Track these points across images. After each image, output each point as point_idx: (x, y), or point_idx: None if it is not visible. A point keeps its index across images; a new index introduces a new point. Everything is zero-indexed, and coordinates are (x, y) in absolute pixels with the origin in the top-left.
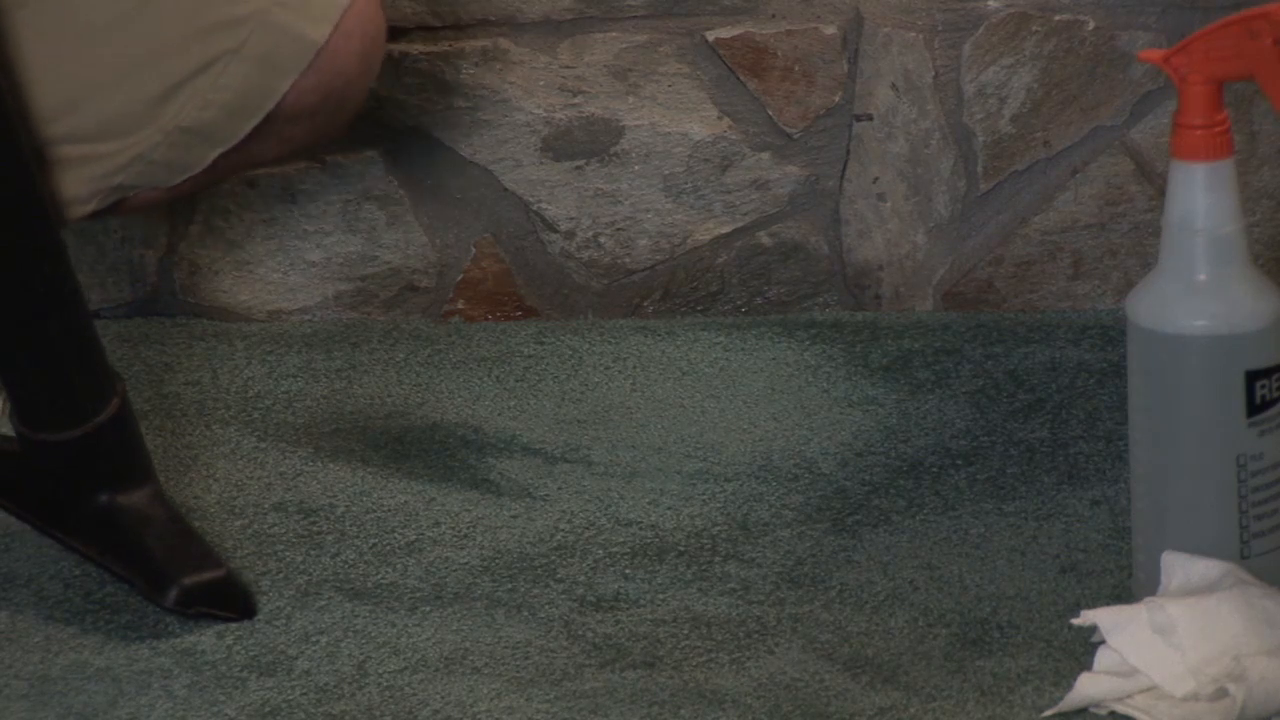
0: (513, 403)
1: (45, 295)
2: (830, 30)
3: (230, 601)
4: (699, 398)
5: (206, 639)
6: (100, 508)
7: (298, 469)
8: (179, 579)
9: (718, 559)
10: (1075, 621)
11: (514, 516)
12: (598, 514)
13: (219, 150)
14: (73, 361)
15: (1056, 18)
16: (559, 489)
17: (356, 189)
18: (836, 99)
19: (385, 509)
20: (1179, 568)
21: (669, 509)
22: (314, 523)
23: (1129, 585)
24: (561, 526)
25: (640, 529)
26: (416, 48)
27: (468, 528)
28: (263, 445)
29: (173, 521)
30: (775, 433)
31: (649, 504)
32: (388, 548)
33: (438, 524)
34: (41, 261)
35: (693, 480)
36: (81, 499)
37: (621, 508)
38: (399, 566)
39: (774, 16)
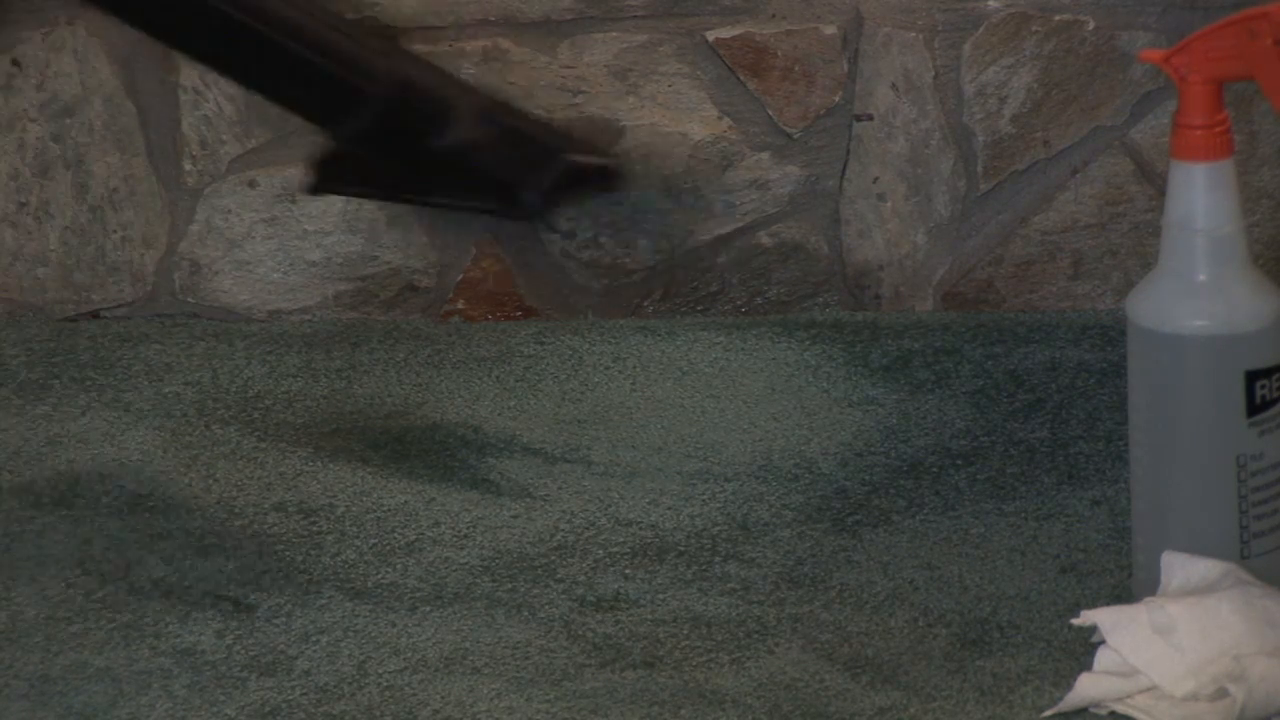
0: (513, 403)
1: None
2: (830, 30)
3: (589, 182)
4: (699, 398)
5: (206, 639)
6: (438, 152)
7: (298, 469)
8: (524, 193)
9: (718, 559)
10: (1075, 621)
11: (514, 516)
12: (598, 514)
13: None
14: (325, 51)
15: (1056, 18)
16: (559, 489)
17: None
18: (836, 99)
19: (385, 509)
20: (1179, 568)
21: (669, 509)
22: (314, 523)
23: (1129, 585)
24: (561, 526)
25: (640, 529)
26: (416, 48)
27: (468, 528)
28: (263, 445)
29: (504, 133)
30: (775, 433)
31: (649, 504)
32: (388, 547)
33: (438, 524)
34: None
35: (693, 480)
36: (417, 153)
37: (621, 508)
38: (399, 566)
39: (774, 16)
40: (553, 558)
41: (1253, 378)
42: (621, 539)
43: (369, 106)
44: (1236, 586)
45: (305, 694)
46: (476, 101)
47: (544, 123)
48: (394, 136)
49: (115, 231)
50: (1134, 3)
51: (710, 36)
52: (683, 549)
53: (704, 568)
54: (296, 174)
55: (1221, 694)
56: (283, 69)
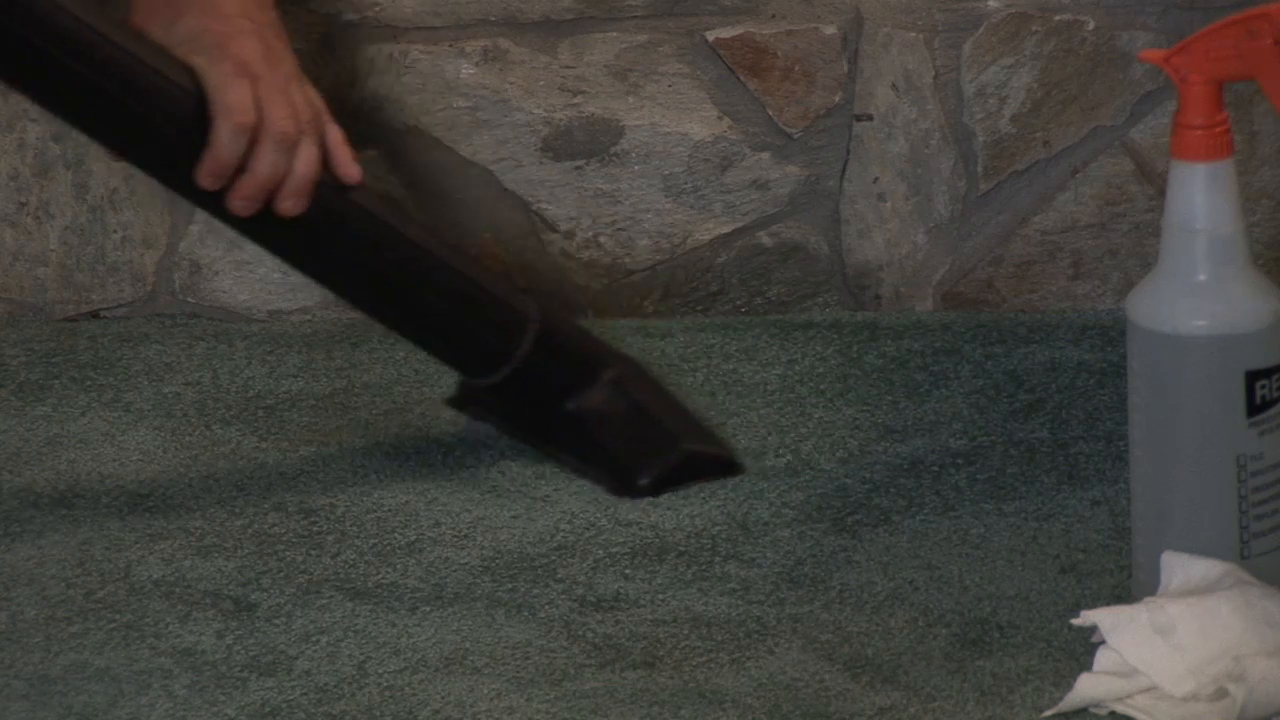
0: None
1: (407, 268)
2: (830, 30)
3: (701, 472)
4: (698, 397)
5: (206, 639)
6: (567, 415)
7: (298, 468)
8: (638, 477)
9: (718, 559)
10: (1075, 621)
11: (514, 516)
12: (598, 514)
13: None
14: (465, 316)
15: (1056, 18)
16: (559, 489)
17: None
18: (836, 99)
19: (385, 509)
20: (1179, 568)
21: (669, 508)
22: (314, 522)
23: (1129, 585)
24: (562, 526)
25: (640, 528)
26: (416, 48)
27: (468, 528)
28: (263, 445)
29: (634, 406)
30: (774, 432)
31: (649, 503)
32: (388, 547)
33: (438, 524)
34: (394, 241)
35: None
36: (548, 412)
37: (621, 507)
38: (399, 566)
39: (774, 16)
40: (553, 558)
41: (1253, 378)
42: (621, 539)
43: (512, 365)
44: (1236, 586)
45: (305, 694)
46: (614, 371)
47: (671, 401)
48: (531, 389)
49: (115, 231)
50: (1134, 3)
51: (710, 36)
52: (682, 549)
53: (704, 568)
54: None
55: (1221, 694)
56: (432, 325)
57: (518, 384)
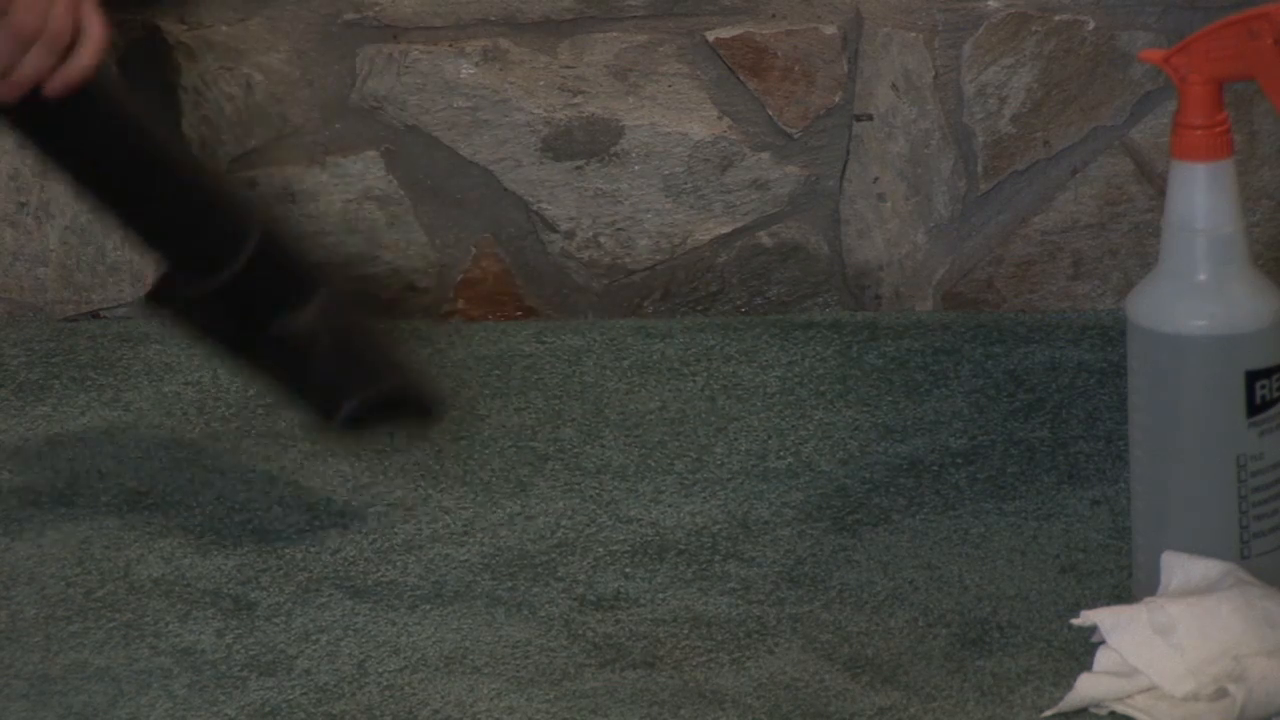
0: (512, 402)
1: (137, 160)
2: (830, 30)
3: (404, 410)
4: (698, 397)
5: (206, 638)
6: (275, 333)
7: (298, 464)
8: (341, 402)
9: (718, 558)
10: (1075, 621)
11: (513, 515)
12: (598, 512)
13: None
14: (193, 212)
15: (1056, 18)
16: (559, 487)
17: (356, 189)
18: (836, 99)
19: (385, 506)
20: (1179, 568)
21: (669, 507)
22: (313, 520)
23: (1129, 585)
24: (562, 524)
25: (640, 526)
26: (416, 48)
27: (467, 526)
28: (262, 444)
29: (342, 335)
30: (774, 432)
31: (649, 502)
32: (388, 545)
33: (437, 522)
34: (129, 136)
35: (692, 478)
36: (257, 326)
37: (622, 506)
38: (399, 564)
39: (774, 16)
40: (553, 555)
41: (1253, 378)
42: (622, 537)
43: (231, 270)
44: (1236, 586)
45: (305, 693)
46: (330, 295)
47: (385, 334)
48: (245, 299)
49: (116, 231)
50: (1134, 3)
51: (710, 36)
52: (683, 547)
53: (704, 567)
54: (297, 173)
55: (1221, 694)
56: (159, 217)
57: (233, 292)
